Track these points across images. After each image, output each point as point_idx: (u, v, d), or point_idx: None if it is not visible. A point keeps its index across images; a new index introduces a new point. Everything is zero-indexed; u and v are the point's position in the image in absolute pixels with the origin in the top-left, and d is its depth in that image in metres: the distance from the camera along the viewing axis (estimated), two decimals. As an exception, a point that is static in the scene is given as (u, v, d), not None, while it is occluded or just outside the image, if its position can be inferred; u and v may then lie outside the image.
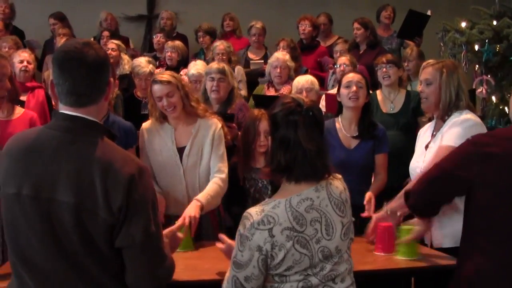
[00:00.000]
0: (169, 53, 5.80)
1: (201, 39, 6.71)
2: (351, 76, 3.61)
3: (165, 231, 2.27)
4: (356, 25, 6.10)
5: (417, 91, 4.07)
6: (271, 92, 4.98)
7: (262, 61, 5.94)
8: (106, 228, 1.78)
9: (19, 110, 3.84)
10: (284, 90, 4.90)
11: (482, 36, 4.43)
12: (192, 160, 3.35)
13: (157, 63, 5.76)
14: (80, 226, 1.77)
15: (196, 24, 6.92)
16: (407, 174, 3.28)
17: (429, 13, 5.79)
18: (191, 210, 3.07)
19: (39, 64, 6.02)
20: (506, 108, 4.31)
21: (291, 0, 7.78)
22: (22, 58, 4.79)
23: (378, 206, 3.10)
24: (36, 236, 1.80)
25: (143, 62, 4.95)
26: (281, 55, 5.10)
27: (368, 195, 3.31)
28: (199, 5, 7.75)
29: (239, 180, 3.58)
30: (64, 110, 1.87)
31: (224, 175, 3.34)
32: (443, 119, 3.03)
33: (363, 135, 3.56)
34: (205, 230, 3.38)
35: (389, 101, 4.57)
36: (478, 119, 3.00)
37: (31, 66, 4.84)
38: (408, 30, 5.81)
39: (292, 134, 2.00)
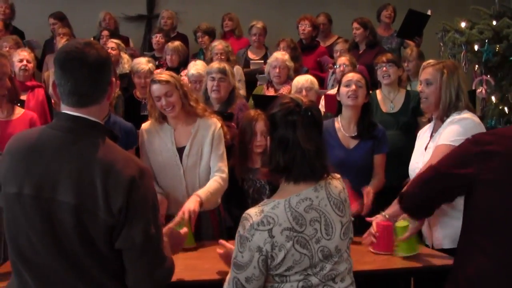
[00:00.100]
0: (169, 56, 5.80)
1: (200, 39, 6.72)
2: (351, 76, 3.61)
3: (164, 230, 2.27)
4: (355, 25, 6.10)
5: (417, 91, 4.07)
6: (271, 92, 4.98)
7: (262, 61, 5.94)
8: (106, 229, 1.78)
9: (19, 111, 3.85)
10: (284, 90, 4.89)
11: (482, 36, 4.43)
12: (192, 160, 3.36)
13: (157, 63, 5.76)
14: (80, 227, 1.77)
15: (196, 24, 6.92)
16: (406, 174, 3.28)
17: (429, 13, 5.79)
18: (190, 204, 3.07)
19: (39, 64, 6.02)
20: (505, 108, 4.31)
21: (291, 0, 7.78)
22: (21, 57, 4.80)
23: (375, 212, 3.09)
24: (36, 236, 1.80)
25: (143, 61, 5.02)
26: (280, 55, 5.10)
27: (367, 189, 3.32)
28: (199, 5, 7.75)
29: (237, 181, 3.58)
30: (66, 110, 1.88)
31: (224, 175, 3.35)
32: (442, 119, 3.03)
33: (363, 135, 3.56)
34: (206, 230, 3.38)
35: (388, 100, 4.57)
36: (476, 118, 3.00)
37: (30, 65, 4.85)
38: (408, 30, 5.81)
39: (291, 134, 2.00)
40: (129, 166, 1.83)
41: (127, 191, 1.78)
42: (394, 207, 2.84)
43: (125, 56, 5.99)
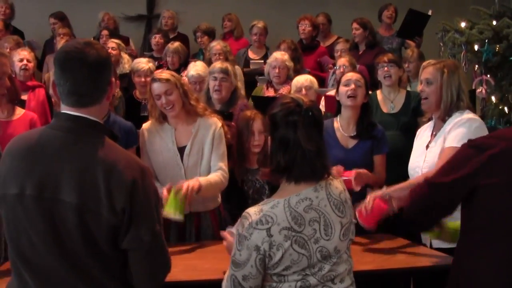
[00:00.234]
0: (170, 58, 5.81)
1: (200, 39, 6.72)
2: (350, 75, 3.61)
3: None
4: (355, 25, 6.10)
5: (417, 92, 4.07)
6: (270, 92, 4.98)
7: (262, 61, 5.94)
8: (109, 228, 1.79)
9: (19, 111, 3.85)
10: (283, 90, 4.90)
11: (482, 36, 4.43)
12: (193, 160, 3.36)
13: (156, 63, 5.77)
14: (83, 226, 1.78)
15: (196, 24, 6.93)
16: (406, 174, 3.28)
17: (430, 13, 5.79)
18: (190, 181, 3.09)
19: (39, 64, 6.03)
20: (505, 108, 4.31)
21: (291, 0, 7.78)
22: (22, 57, 4.80)
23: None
24: (38, 236, 1.80)
25: (143, 60, 5.08)
26: (279, 55, 5.09)
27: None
28: (199, 5, 7.75)
29: (237, 182, 3.58)
30: (66, 110, 1.88)
31: (225, 173, 3.36)
32: (443, 119, 3.02)
33: (362, 135, 3.55)
34: (206, 230, 3.39)
35: (389, 101, 4.57)
36: (481, 120, 3.00)
37: (31, 65, 4.85)
38: (408, 30, 5.81)
39: (292, 135, 2.00)
40: (131, 166, 1.83)
41: (130, 192, 1.78)
42: (398, 192, 2.83)
43: (125, 56, 6.01)
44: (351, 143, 3.57)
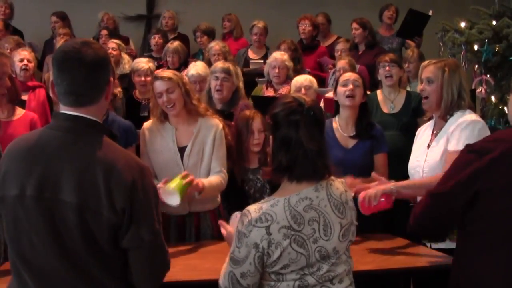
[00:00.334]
0: (170, 58, 5.82)
1: (199, 39, 6.72)
2: (348, 75, 3.62)
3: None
4: (354, 25, 6.10)
5: (418, 92, 4.06)
6: (270, 92, 4.98)
7: (262, 60, 5.94)
8: (109, 228, 1.79)
9: (19, 111, 3.85)
10: (283, 90, 4.90)
11: (482, 36, 4.44)
12: (193, 160, 3.36)
13: (156, 63, 5.77)
14: (83, 226, 1.78)
15: (196, 24, 6.93)
16: (407, 175, 3.28)
17: (430, 13, 5.79)
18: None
19: (40, 64, 6.03)
20: (505, 108, 4.31)
21: (291, 0, 7.78)
22: (22, 57, 4.81)
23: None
24: (38, 236, 1.81)
25: (143, 60, 5.12)
26: (279, 55, 5.09)
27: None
28: (198, 5, 7.76)
29: (237, 182, 3.58)
30: (65, 110, 1.88)
31: (225, 176, 3.37)
32: (444, 118, 3.01)
33: (361, 135, 3.56)
34: (205, 230, 3.39)
35: (389, 101, 4.57)
36: (483, 121, 2.99)
37: (31, 65, 4.85)
38: (408, 30, 5.81)
39: (294, 134, 2.00)
40: (130, 165, 1.83)
41: (130, 191, 1.79)
42: (406, 188, 2.85)
43: (125, 57, 6.02)
44: (351, 143, 3.57)
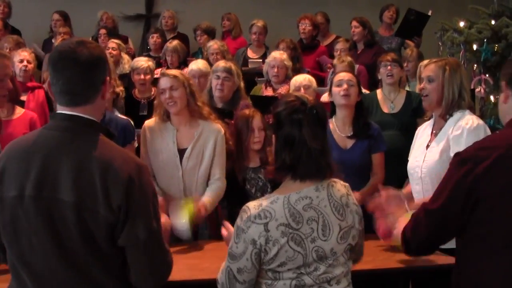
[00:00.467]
0: (169, 57, 5.82)
1: (199, 37, 6.72)
2: (342, 75, 3.63)
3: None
4: (354, 23, 6.09)
5: (418, 92, 4.06)
6: (269, 92, 4.97)
7: (261, 60, 5.93)
8: (107, 226, 1.79)
9: (19, 110, 3.86)
10: (282, 89, 4.88)
11: (481, 35, 4.45)
12: (192, 163, 3.37)
13: (154, 61, 5.77)
14: (82, 224, 1.78)
15: (195, 24, 6.93)
16: (406, 174, 3.28)
17: (429, 13, 5.79)
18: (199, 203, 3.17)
19: (39, 64, 6.03)
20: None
21: (291, 0, 7.78)
22: (22, 58, 4.80)
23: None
24: (37, 236, 1.80)
25: (142, 59, 5.17)
26: (278, 55, 5.08)
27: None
28: (198, 4, 7.76)
29: (239, 181, 3.58)
30: (61, 110, 1.88)
31: (224, 184, 3.41)
32: (444, 117, 3.00)
33: (359, 135, 3.57)
34: (203, 230, 3.40)
35: (389, 100, 4.56)
36: (484, 123, 2.98)
37: (31, 66, 4.85)
38: (407, 29, 5.81)
39: (297, 133, 2.01)
40: (127, 163, 1.83)
41: (127, 188, 1.78)
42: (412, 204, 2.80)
43: (125, 57, 6.01)
44: (349, 143, 3.57)
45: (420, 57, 5.19)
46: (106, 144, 1.87)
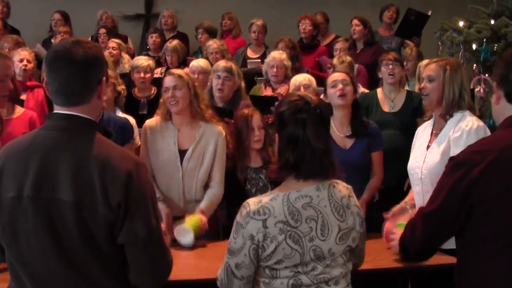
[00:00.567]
0: (169, 57, 5.83)
1: (200, 35, 6.72)
2: (336, 76, 3.65)
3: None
4: (355, 21, 6.09)
5: (418, 92, 4.06)
6: (268, 92, 4.97)
7: (259, 60, 5.92)
8: (106, 225, 1.79)
9: (19, 110, 3.85)
10: (282, 89, 4.88)
11: (480, 35, 4.44)
12: (192, 164, 3.37)
13: (155, 60, 5.78)
14: (81, 224, 1.78)
15: (195, 23, 6.93)
16: (406, 174, 3.28)
17: (429, 13, 5.79)
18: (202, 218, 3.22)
19: (39, 63, 6.02)
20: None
21: (291, 0, 7.78)
22: (22, 57, 4.81)
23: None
24: (36, 237, 1.80)
25: (142, 57, 5.20)
26: (277, 55, 5.07)
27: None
28: (197, 4, 7.76)
29: (239, 181, 3.57)
30: (58, 110, 1.89)
31: (222, 190, 3.44)
32: (444, 117, 3.00)
33: (358, 133, 3.57)
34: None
35: (389, 100, 4.56)
36: (484, 125, 2.97)
37: (30, 65, 4.85)
38: (407, 29, 5.81)
39: (301, 132, 2.01)
40: (125, 161, 1.83)
41: (125, 186, 1.78)
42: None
43: (125, 56, 6.02)
44: (348, 143, 3.58)
45: (420, 57, 5.20)
46: (104, 142, 1.87)
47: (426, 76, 3.03)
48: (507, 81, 2.05)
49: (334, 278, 2.04)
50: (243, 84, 4.39)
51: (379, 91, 4.64)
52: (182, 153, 3.38)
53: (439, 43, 4.83)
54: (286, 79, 4.95)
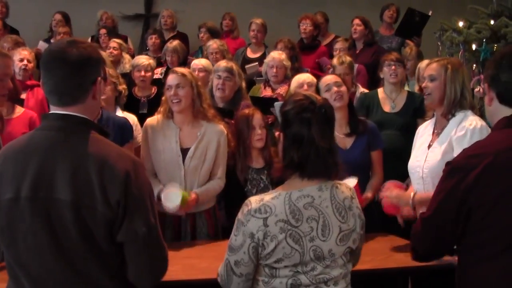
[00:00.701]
0: (169, 58, 5.83)
1: (202, 34, 6.71)
2: (328, 79, 3.65)
3: None
4: (357, 21, 6.08)
5: (419, 93, 4.05)
6: (268, 92, 4.96)
7: (257, 63, 5.87)
8: (105, 223, 1.79)
9: (19, 109, 3.85)
10: (281, 90, 4.88)
11: (480, 35, 4.45)
12: (195, 163, 3.37)
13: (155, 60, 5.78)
14: (80, 223, 1.78)
15: (194, 23, 6.93)
16: (406, 174, 3.28)
17: (429, 13, 5.79)
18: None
19: (39, 63, 6.03)
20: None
21: (291, 0, 7.78)
22: (22, 57, 4.81)
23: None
24: (34, 237, 1.80)
25: (144, 56, 5.25)
26: (277, 55, 5.07)
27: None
28: (197, 4, 7.76)
29: (240, 182, 3.57)
30: (54, 110, 1.89)
31: (222, 184, 3.46)
32: (446, 117, 2.99)
33: (356, 131, 3.58)
34: (201, 230, 3.40)
35: (390, 100, 4.56)
36: (486, 125, 2.97)
37: (31, 65, 4.86)
38: (407, 29, 5.81)
39: (306, 131, 2.02)
40: (123, 159, 1.84)
41: (124, 184, 1.79)
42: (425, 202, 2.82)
43: (126, 56, 6.02)
44: (348, 143, 3.58)
45: (420, 56, 5.19)
46: (101, 141, 1.87)
47: (428, 75, 3.03)
48: (498, 82, 2.04)
49: (333, 279, 2.04)
50: (244, 85, 4.39)
51: (380, 91, 4.63)
52: (184, 151, 3.38)
53: (439, 43, 4.83)
54: (286, 79, 4.95)
